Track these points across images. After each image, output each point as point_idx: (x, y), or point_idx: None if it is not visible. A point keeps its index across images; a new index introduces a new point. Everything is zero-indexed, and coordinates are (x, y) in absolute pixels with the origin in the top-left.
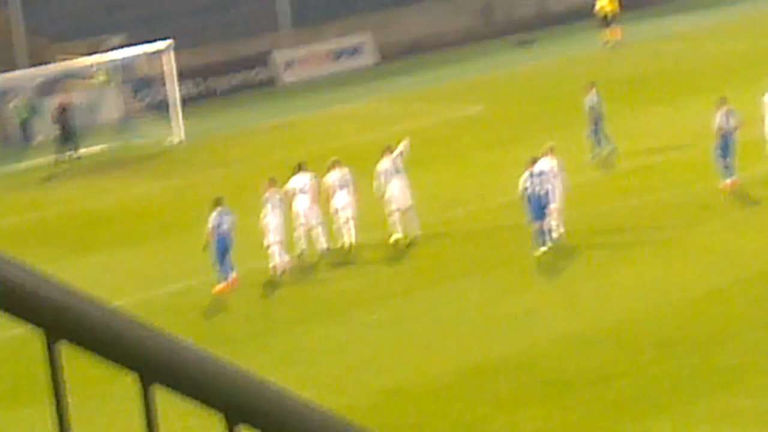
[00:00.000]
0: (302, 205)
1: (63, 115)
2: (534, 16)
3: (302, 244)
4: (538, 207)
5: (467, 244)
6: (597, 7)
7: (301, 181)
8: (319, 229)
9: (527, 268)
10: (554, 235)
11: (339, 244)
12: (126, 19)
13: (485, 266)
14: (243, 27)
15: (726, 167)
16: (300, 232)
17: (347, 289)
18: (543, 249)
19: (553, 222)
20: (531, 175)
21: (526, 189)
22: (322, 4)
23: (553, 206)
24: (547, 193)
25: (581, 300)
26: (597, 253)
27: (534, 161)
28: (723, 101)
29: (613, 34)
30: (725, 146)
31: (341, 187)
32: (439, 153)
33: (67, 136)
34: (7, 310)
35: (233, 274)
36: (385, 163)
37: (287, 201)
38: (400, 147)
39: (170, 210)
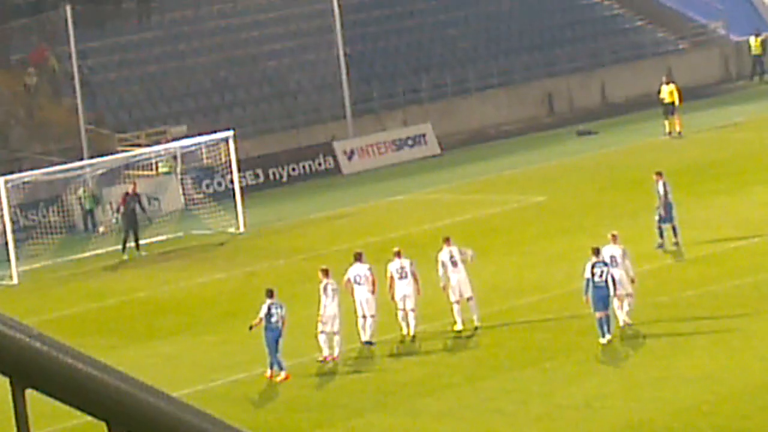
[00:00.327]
0: (360, 295)
1: (127, 204)
2: (595, 106)
3: (361, 334)
4: (601, 296)
5: (528, 333)
6: (661, 95)
7: (359, 270)
8: (370, 321)
9: (588, 358)
10: (624, 320)
11: (400, 335)
12: (187, 110)
13: (546, 356)
14: (305, 116)
15: None
16: (361, 322)
17: (409, 379)
18: (605, 339)
19: (627, 308)
20: (593, 265)
21: (589, 279)
22: (384, 94)
23: (620, 293)
24: (607, 283)
25: (642, 390)
26: (658, 343)
27: (596, 251)
28: None
29: (676, 124)
30: None
31: (402, 277)
32: (500, 243)
33: (130, 226)
34: None
35: (284, 372)
36: (445, 254)
37: (347, 290)
38: (468, 252)
39: (230, 300)
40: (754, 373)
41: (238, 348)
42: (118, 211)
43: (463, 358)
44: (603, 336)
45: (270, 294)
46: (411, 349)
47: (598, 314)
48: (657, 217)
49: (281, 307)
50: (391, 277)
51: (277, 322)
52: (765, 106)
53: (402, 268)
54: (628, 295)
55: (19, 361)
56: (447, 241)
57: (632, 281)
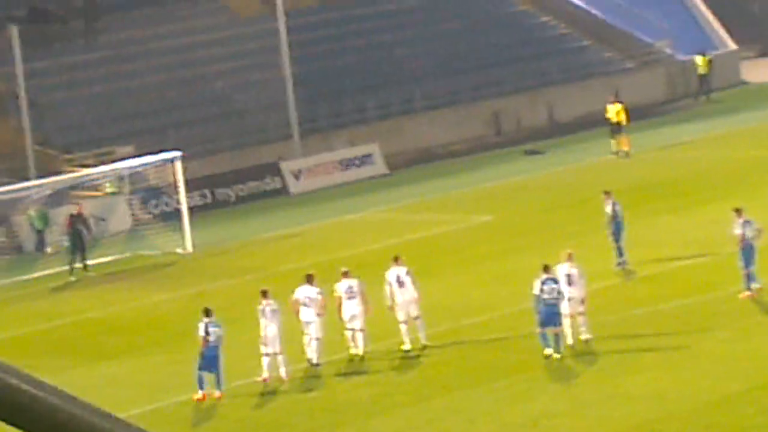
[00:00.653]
0: (307, 317)
1: (73, 225)
2: (542, 125)
3: (308, 354)
4: (551, 313)
5: (476, 352)
6: (608, 115)
7: (308, 292)
8: (315, 344)
9: (536, 377)
10: (583, 337)
11: (348, 355)
12: (134, 130)
13: (494, 375)
14: (252, 136)
15: (749, 276)
16: (305, 341)
17: (358, 398)
18: (548, 351)
19: (582, 326)
20: (543, 281)
21: (538, 295)
22: (331, 113)
23: (572, 311)
24: (557, 301)
25: (590, 408)
26: (607, 361)
27: (546, 268)
28: (740, 212)
29: (622, 143)
30: (747, 255)
31: (350, 297)
32: (448, 262)
33: (77, 246)
34: None
35: (217, 392)
36: (392, 273)
37: (293, 310)
38: (407, 273)
39: (179, 320)
40: (702, 391)
41: (186, 368)
42: (65, 232)
43: (412, 377)
44: (547, 348)
45: (207, 313)
46: (360, 369)
47: (547, 329)
48: (611, 237)
49: (218, 326)
50: (339, 298)
51: (215, 340)
52: (711, 125)
53: (350, 288)
54: (581, 313)
55: None
56: (396, 259)
57: (582, 301)
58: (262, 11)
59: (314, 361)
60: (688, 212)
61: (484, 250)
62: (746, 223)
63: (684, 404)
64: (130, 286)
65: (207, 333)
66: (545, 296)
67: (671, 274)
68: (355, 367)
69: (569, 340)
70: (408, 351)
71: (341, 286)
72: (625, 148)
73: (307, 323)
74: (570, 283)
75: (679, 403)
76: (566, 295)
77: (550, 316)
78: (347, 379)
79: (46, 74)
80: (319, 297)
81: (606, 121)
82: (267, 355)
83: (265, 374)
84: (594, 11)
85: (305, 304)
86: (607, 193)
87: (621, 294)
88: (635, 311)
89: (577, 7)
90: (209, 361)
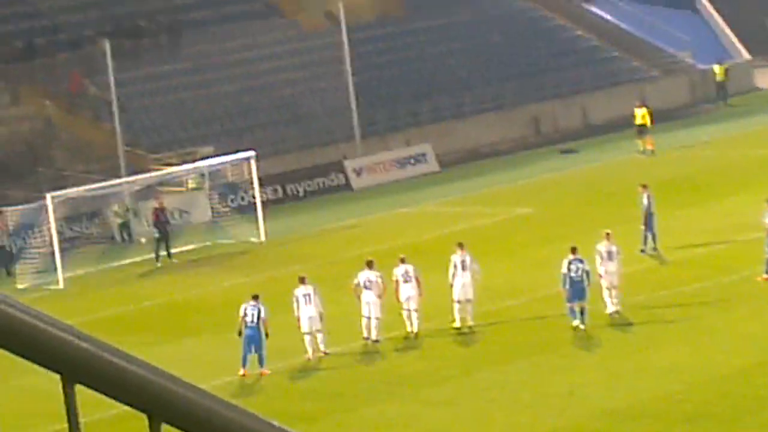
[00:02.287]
0: (368, 298)
1: (158, 217)
2: (577, 127)
3: (365, 332)
4: (578, 289)
5: (519, 330)
6: (635, 119)
7: (368, 276)
8: (375, 323)
9: (571, 352)
10: (611, 310)
11: (404, 332)
12: (213, 133)
13: (534, 350)
14: (318, 138)
15: None
16: (365, 322)
17: (412, 371)
18: (577, 322)
19: (614, 299)
20: (570, 261)
21: (566, 274)
22: (389, 117)
23: (609, 284)
24: (582, 278)
25: (620, 379)
26: (634, 337)
27: (573, 249)
28: None
29: (648, 143)
30: None
31: (406, 281)
32: (493, 250)
33: (162, 236)
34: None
35: (262, 368)
36: (457, 257)
37: (355, 293)
38: (473, 263)
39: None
40: (718, 364)
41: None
42: (153, 224)
43: (461, 352)
44: (575, 320)
45: (254, 297)
46: (414, 345)
47: (573, 304)
48: (642, 226)
49: (257, 309)
50: (397, 281)
51: (251, 321)
52: (728, 127)
53: (406, 272)
54: (615, 287)
55: (69, 359)
56: (461, 246)
57: (618, 276)
58: (327, 26)
59: (374, 337)
60: (707, 204)
61: (525, 239)
62: None
63: (703, 376)
64: (210, 272)
65: (245, 314)
66: (572, 274)
67: (692, 259)
68: (410, 343)
69: (609, 309)
70: (458, 328)
71: (398, 271)
72: (651, 147)
73: (368, 304)
74: (610, 258)
75: (699, 375)
76: (606, 269)
77: (577, 292)
78: (403, 354)
79: (135, 83)
80: (379, 280)
81: (633, 124)
82: (308, 334)
83: (308, 354)
84: (623, 25)
85: (366, 287)
86: (644, 186)
87: (648, 277)
88: (660, 293)
89: (608, 21)
90: (248, 339)
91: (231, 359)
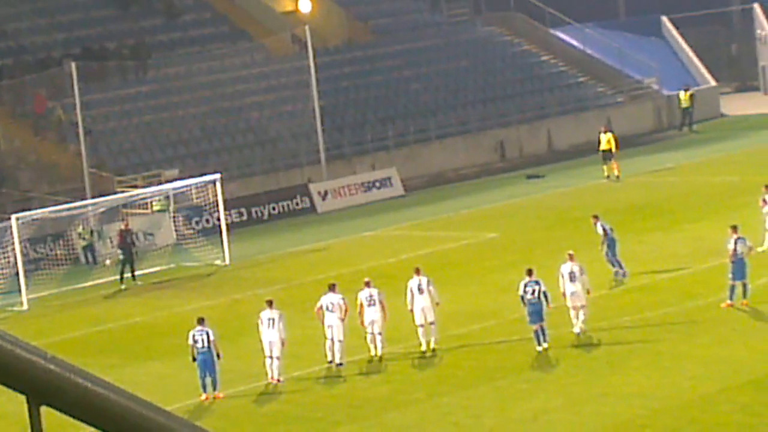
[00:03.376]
0: (331, 321)
1: (123, 239)
2: (542, 152)
3: (329, 355)
4: (535, 311)
5: (483, 355)
6: (600, 145)
7: (331, 299)
8: (338, 345)
9: (536, 377)
10: (576, 330)
11: (368, 356)
12: (179, 155)
13: (498, 375)
14: (284, 161)
15: (734, 288)
16: (329, 344)
17: (376, 395)
18: (541, 347)
19: (581, 317)
20: (526, 284)
21: (522, 296)
22: (354, 141)
23: (575, 304)
24: (539, 299)
25: (584, 405)
26: (598, 362)
27: (529, 271)
28: (735, 228)
29: (613, 168)
30: (739, 269)
31: (370, 304)
32: (458, 274)
33: (127, 258)
34: None
35: (216, 392)
36: (414, 282)
37: (319, 317)
38: (429, 285)
39: (219, 323)
40: (684, 390)
41: (224, 368)
42: (118, 246)
43: (425, 376)
44: (539, 345)
45: (199, 321)
46: (378, 369)
47: (533, 326)
48: (604, 254)
49: (205, 332)
50: (361, 304)
51: (202, 346)
52: (693, 153)
53: (371, 296)
54: (582, 306)
55: (35, 380)
56: (417, 270)
57: (588, 292)
58: (294, 50)
59: (337, 361)
60: (672, 230)
61: (491, 264)
62: (740, 239)
63: (668, 402)
64: (175, 294)
65: (195, 340)
66: (528, 297)
67: (657, 285)
68: (374, 367)
69: (575, 329)
70: (424, 352)
71: (363, 294)
72: (616, 173)
73: (330, 327)
74: (572, 279)
75: (664, 401)
76: (570, 290)
77: (535, 314)
78: (367, 378)
79: (101, 105)
80: (342, 303)
81: (598, 149)
82: (269, 357)
83: (270, 377)
84: (589, 51)
85: (329, 309)
86: (595, 216)
87: (611, 303)
88: (624, 317)
89: (574, 47)
90: (203, 365)
91: (194, 382)
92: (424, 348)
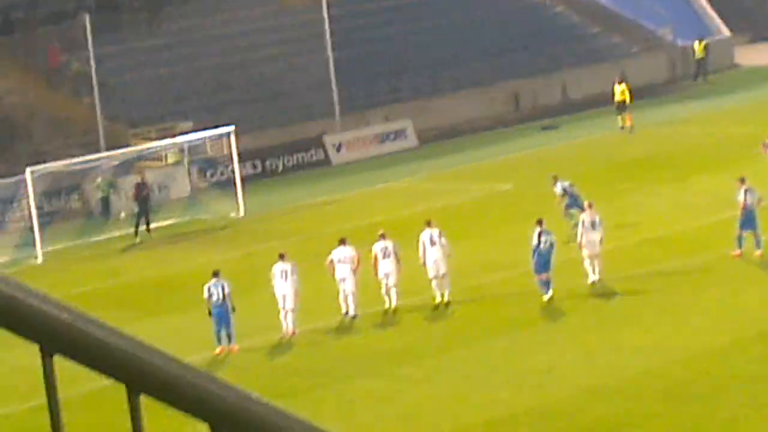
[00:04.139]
0: (342, 273)
1: (139, 192)
2: (556, 104)
3: (344, 307)
4: (544, 261)
5: (497, 307)
6: (615, 96)
7: (342, 253)
8: (351, 298)
9: (550, 329)
10: (592, 278)
11: (383, 308)
12: (193, 108)
13: (512, 327)
14: (298, 114)
15: (741, 238)
16: (342, 297)
17: (391, 348)
18: (547, 296)
19: (598, 267)
20: (539, 233)
21: (536, 246)
22: (368, 93)
23: (592, 252)
24: (549, 250)
25: (597, 357)
26: (612, 315)
27: (540, 221)
28: (743, 180)
29: (627, 119)
30: (748, 220)
31: (385, 256)
32: (472, 226)
33: (142, 211)
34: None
35: (231, 345)
36: (426, 234)
37: (330, 270)
38: (441, 237)
39: (233, 277)
40: (697, 341)
41: (238, 321)
42: (133, 198)
43: (439, 329)
44: (546, 293)
45: (214, 274)
46: (392, 321)
47: (541, 276)
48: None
49: (220, 285)
50: (375, 256)
51: (217, 300)
52: (707, 105)
53: (386, 248)
54: (597, 255)
55: (47, 329)
56: (428, 223)
57: (601, 243)
58: (307, 2)
59: (352, 312)
60: (685, 182)
61: (504, 215)
62: (748, 190)
63: (681, 354)
64: (189, 247)
65: (210, 293)
66: (541, 246)
67: (670, 237)
68: (388, 319)
69: (590, 278)
70: (438, 304)
71: (377, 246)
72: (629, 124)
73: (343, 279)
74: (593, 228)
75: (677, 353)
76: (587, 238)
77: (545, 264)
78: (381, 331)
79: (114, 58)
80: (354, 255)
81: (612, 100)
82: (283, 310)
83: (284, 330)
84: (603, 1)
85: (341, 261)
86: (554, 177)
87: (624, 255)
88: (638, 270)
89: None
90: (217, 318)
91: (209, 336)
92: (438, 300)
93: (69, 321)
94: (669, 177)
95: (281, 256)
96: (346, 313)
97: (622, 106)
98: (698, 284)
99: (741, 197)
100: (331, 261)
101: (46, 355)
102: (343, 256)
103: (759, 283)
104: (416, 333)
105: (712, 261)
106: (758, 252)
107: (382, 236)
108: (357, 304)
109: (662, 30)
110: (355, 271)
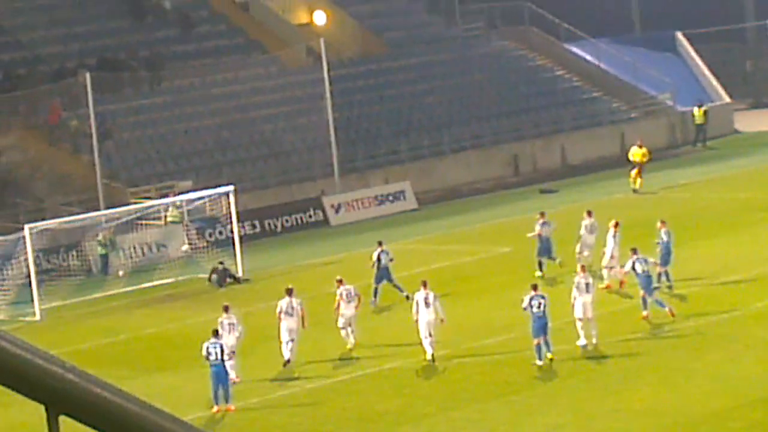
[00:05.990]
0: (289, 325)
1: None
2: (556, 167)
3: (287, 355)
4: (540, 325)
5: (495, 369)
6: (634, 157)
7: (289, 303)
8: (291, 345)
9: (548, 391)
10: (582, 342)
11: (379, 368)
12: (193, 167)
13: (511, 390)
14: (297, 174)
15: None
16: (284, 346)
17: (388, 408)
18: (540, 362)
19: (593, 332)
20: (531, 297)
21: (527, 308)
22: (368, 154)
23: (584, 316)
24: (544, 313)
25: (596, 421)
26: (609, 378)
27: (534, 286)
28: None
29: (640, 182)
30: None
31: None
32: (471, 288)
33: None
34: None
35: (228, 404)
36: (420, 295)
37: (278, 319)
38: (436, 300)
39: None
40: (695, 406)
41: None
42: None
43: (436, 390)
44: (540, 359)
45: (214, 333)
46: (389, 382)
47: (538, 339)
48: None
49: (218, 346)
50: (339, 301)
51: (215, 359)
52: (706, 170)
53: (349, 291)
54: (590, 319)
55: (54, 390)
56: (424, 284)
57: (592, 306)
58: (308, 63)
59: (286, 357)
60: (685, 246)
61: (504, 279)
62: (639, 260)
63: (679, 418)
64: (187, 306)
65: (208, 353)
66: (534, 309)
67: (669, 301)
68: (385, 380)
69: (581, 342)
70: (429, 360)
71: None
72: (639, 186)
73: (289, 330)
74: (587, 290)
75: (675, 417)
76: (582, 300)
77: (540, 328)
78: (380, 390)
79: (115, 116)
80: (299, 307)
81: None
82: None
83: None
84: (604, 66)
85: (288, 313)
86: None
87: (623, 318)
88: (636, 334)
89: (588, 62)
90: (215, 377)
91: (206, 394)
92: (429, 356)
93: (76, 382)
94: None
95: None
96: (288, 360)
97: (640, 167)
98: (697, 349)
99: (629, 267)
100: (280, 311)
101: (52, 416)
102: (291, 306)
103: (759, 348)
104: (414, 394)
105: (711, 325)
106: (644, 314)
107: (340, 282)
108: (294, 351)
109: (662, 95)
110: (301, 324)
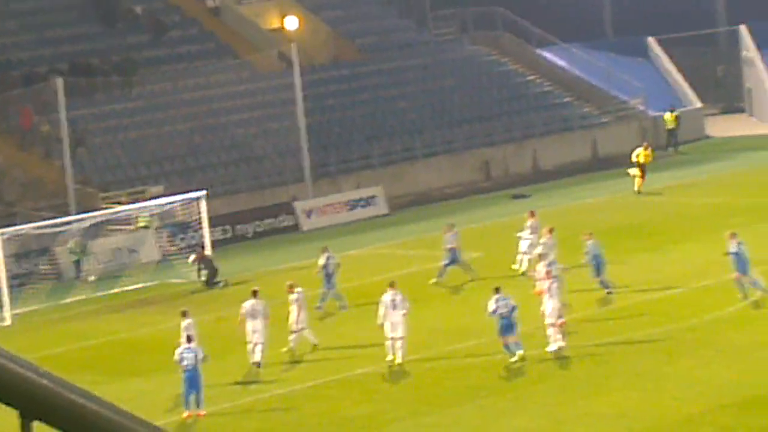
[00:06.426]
0: (254, 326)
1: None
2: (527, 172)
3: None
4: (508, 324)
5: (466, 373)
6: (636, 156)
7: (252, 305)
8: (259, 347)
9: (519, 396)
10: (553, 348)
11: (350, 374)
12: (164, 172)
13: (481, 393)
14: (269, 179)
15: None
16: (249, 347)
17: (358, 413)
18: (513, 359)
19: (558, 336)
20: (496, 300)
21: (494, 310)
22: (340, 159)
23: (553, 321)
24: (511, 313)
25: (566, 425)
26: (581, 382)
27: (497, 289)
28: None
29: (641, 184)
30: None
31: (300, 307)
32: (441, 293)
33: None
34: None
35: (199, 410)
36: (387, 296)
37: (242, 321)
38: (404, 302)
39: (202, 341)
40: (667, 411)
41: (207, 384)
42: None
43: (407, 395)
44: (514, 356)
45: (187, 339)
46: (360, 386)
47: (504, 339)
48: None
49: (193, 352)
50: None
51: (187, 365)
52: (678, 175)
53: (299, 298)
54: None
55: (27, 395)
56: (391, 284)
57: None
58: (280, 68)
59: (255, 359)
60: (657, 251)
61: (475, 283)
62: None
63: (651, 423)
64: (159, 311)
65: (181, 359)
66: (501, 310)
67: (640, 305)
68: (355, 385)
69: (552, 348)
70: (391, 364)
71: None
72: (639, 189)
73: (254, 331)
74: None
75: (647, 422)
76: (551, 306)
77: (507, 327)
78: (350, 396)
79: (86, 121)
80: (264, 309)
81: (632, 162)
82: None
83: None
84: (575, 71)
85: (252, 315)
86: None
87: (595, 323)
88: (608, 338)
89: (560, 67)
90: (188, 382)
91: (177, 400)
92: (390, 358)
93: (50, 387)
94: (641, 246)
95: (183, 314)
96: (257, 363)
97: (642, 168)
98: (669, 354)
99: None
100: (244, 313)
101: (26, 421)
102: (255, 309)
103: (728, 353)
104: (384, 399)
105: (683, 330)
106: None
107: (292, 287)
108: (264, 352)
109: (634, 100)
110: (265, 325)
